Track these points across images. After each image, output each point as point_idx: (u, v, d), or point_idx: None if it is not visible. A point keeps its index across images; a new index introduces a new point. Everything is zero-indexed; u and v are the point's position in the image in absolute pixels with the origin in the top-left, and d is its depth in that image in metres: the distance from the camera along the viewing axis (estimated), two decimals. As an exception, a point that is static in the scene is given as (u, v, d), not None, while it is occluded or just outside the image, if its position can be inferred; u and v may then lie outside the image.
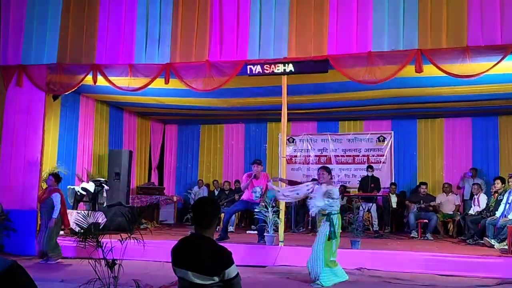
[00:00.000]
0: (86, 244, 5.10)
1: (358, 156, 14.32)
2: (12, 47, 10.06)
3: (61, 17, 9.88)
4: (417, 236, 11.00)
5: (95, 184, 11.07)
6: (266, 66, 8.92)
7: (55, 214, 8.69)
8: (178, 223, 13.95)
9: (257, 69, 8.99)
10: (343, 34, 8.63)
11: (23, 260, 8.32)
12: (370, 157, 14.19)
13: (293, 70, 8.84)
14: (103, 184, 11.30)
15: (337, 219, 6.88)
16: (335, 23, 8.69)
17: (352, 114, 13.82)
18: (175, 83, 9.65)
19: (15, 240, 9.52)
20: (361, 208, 10.82)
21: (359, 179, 13.27)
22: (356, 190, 13.12)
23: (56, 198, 8.75)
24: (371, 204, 11.97)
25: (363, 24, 8.57)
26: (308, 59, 8.76)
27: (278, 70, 8.88)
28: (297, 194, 7.44)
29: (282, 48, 8.87)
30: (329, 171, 7.21)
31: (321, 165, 7.90)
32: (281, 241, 8.68)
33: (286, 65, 8.87)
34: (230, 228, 12.33)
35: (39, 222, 9.48)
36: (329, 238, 6.75)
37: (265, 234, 8.95)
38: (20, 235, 9.54)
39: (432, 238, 10.81)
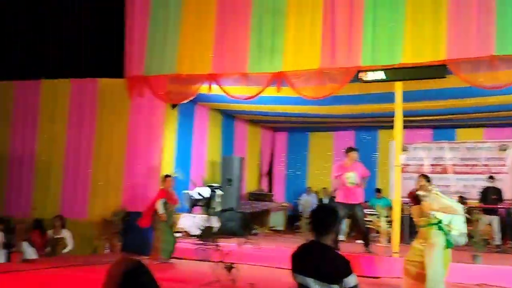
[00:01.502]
0: (206, 246, 5.28)
1: (477, 165, 13.52)
2: (136, 60, 10.72)
3: (180, 30, 10.38)
4: (544, 252, 10.17)
5: (209, 189, 11.45)
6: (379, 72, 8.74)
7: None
8: (288, 229, 14.02)
9: (370, 75, 8.84)
10: (463, 37, 8.20)
11: (144, 259, 8.80)
12: (490, 167, 13.34)
13: (407, 77, 8.58)
14: (216, 190, 11.67)
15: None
16: (454, 25, 8.30)
17: (471, 121, 13.09)
18: (286, 91, 9.75)
19: (136, 240, 10.12)
20: (481, 220, 10.20)
21: (479, 190, 12.52)
22: (476, 201, 12.39)
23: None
24: (492, 216, 11.25)
25: (485, 26, 8.10)
26: (424, 64, 8.45)
27: (390, 76, 8.66)
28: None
29: (396, 54, 8.63)
30: (428, 179, 6.81)
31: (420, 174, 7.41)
32: (395, 252, 8.43)
33: (400, 71, 8.63)
34: (340, 237, 12.21)
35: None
36: (447, 246, 6.34)
37: (377, 244, 8.75)
38: (140, 236, 10.12)
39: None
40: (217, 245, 5.23)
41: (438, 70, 8.40)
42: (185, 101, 10.71)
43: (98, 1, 12.98)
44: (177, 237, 10.01)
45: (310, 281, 3.18)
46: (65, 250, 9.73)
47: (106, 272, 2.38)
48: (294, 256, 3.39)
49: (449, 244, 6.36)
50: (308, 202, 13.98)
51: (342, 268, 3.18)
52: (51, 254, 9.58)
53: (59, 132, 11.16)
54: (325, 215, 3.39)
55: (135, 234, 10.18)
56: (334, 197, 13.53)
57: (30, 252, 8.90)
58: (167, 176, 9.57)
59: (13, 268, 7.70)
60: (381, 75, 8.63)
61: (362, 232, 9.42)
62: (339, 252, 3.36)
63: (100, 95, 11.05)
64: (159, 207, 9.07)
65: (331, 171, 15.34)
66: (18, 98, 11.67)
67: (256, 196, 14.18)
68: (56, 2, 12.84)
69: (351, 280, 3.14)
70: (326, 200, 14.04)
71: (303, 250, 3.39)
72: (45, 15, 12.81)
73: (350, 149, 9.76)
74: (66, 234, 9.79)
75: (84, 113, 11.06)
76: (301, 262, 3.31)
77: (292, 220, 14.53)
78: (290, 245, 9.50)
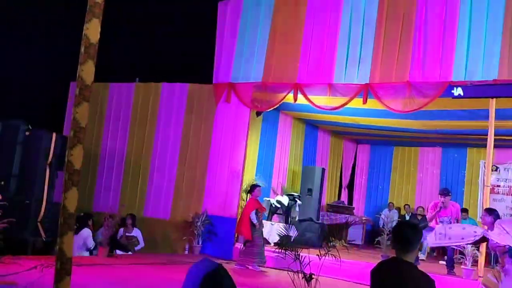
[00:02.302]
0: (286, 255, 5.31)
1: None
2: (223, 67, 11.00)
3: (268, 39, 10.53)
4: None
5: (289, 198, 11.49)
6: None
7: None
8: (366, 244, 13.75)
9: (462, 91, 8.52)
10: None
11: (222, 263, 8.95)
12: None
13: (503, 94, 8.19)
14: (296, 199, 11.68)
15: None
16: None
17: None
18: (372, 103, 9.60)
19: (216, 244, 10.36)
20: None
21: None
22: None
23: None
24: None
25: None
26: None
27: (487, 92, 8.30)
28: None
29: (491, 69, 8.25)
30: (490, 212, 6.22)
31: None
32: (480, 276, 8.04)
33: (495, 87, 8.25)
34: (421, 256, 11.80)
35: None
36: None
37: (462, 267, 8.38)
38: (219, 240, 10.35)
39: None
40: (297, 255, 5.23)
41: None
42: (270, 109, 10.81)
43: (191, 10, 13.46)
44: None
45: (391, 298, 3.11)
46: (137, 248, 10.05)
47: (187, 272, 2.45)
48: (375, 272, 3.32)
49: None
50: (389, 218, 13.65)
51: (427, 287, 3.09)
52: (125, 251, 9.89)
53: (149, 134, 11.64)
54: (409, 232, 3.29)
55: (215, 237, 10.42)
56: (417, 214, 13.22)
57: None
58: (256, 186, 9.67)
59: (98, 262, 8.08)
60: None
61: (447, 254, 9.08)
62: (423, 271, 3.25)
63: (188, 99, 11.41)
64: (253, 217, 9.20)
65: (415, 188, 15.04)
66: (113, 99, 12.29)
67: (336, 208, 14.03)
68: (151, 10, 13.45)
69: (435, 299, 3.05)
70: (408, 217, 13.65)
71: (384, 266, 3.32)
72: (140, 21, 13.44)
73: (444, 191, 9.38)
74: (136, 233, 10.13)
75: (173, 116, 11.47)
76: (382, 279, 3.24)
77: (371, 235, 14.24)
78: (369, 260, 9.36)
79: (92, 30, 2.93)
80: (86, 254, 9.18)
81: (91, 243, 9.20)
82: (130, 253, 9.81)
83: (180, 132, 11.34)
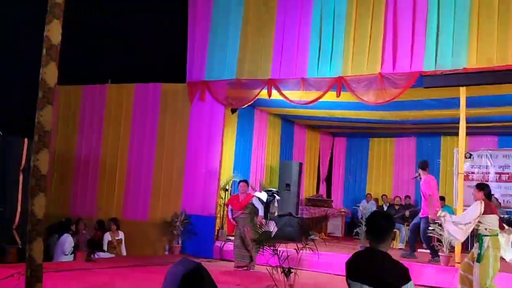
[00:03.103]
0: (264, 250, 5.32)
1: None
2: (197, 65, 10.95)
3: (240, 36, 10.50)
4: None
5: (267, 194, 11.51)
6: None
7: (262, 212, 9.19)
8: (346, 236, 13.85)
9: (433, 81, 8.63)
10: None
11: (202, 262, 8.93)
12: (562, 176, 12.69)
13: (473, 82, 8.32)
14: (274, 194, 11.70)
15: (489, 241, 6.23)
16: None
17: (540, 128, 12.51)
18: (346, 96, 9.66)
19: (195, 242, 10.33)
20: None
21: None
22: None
23: (256, 200, 9.23)
24: None
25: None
26: (491, 69, 8.15)
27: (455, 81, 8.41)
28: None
29: (461, 58, 8.37)
30: (482, 187, 6.60)
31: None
32: (457, 262, 8.16)
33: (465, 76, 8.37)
34: (400, 245, 11.95)
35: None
36: (477, 260, 6.19)
37: (440, 254, 8.51)
38: (199, 239, 10.32)
39: None
40: (275, 250, 5.24)
41: (506, 75, 8.07)
42: (245, 106, 10.80)
43: (161, 9, 13.35)
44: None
45: (367, 288, 3.13)
46: (123, 250, 10.09)
47: (166, 272, 2.45)
48: (350, 263, 3.35)
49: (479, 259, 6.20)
50: (367, 209, 13.74)
51: (401, 275, 3.12)
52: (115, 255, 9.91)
53: (123, 136, 11.53)
54: (382, 222, 3.33)
55: (194, 237, 10.39)
56: (394, 204, 13.36)
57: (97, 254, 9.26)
58: (240, 181, 9.63)
59: (77, 267, 8.00)
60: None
61: (425, 242, 9.21)
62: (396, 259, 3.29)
63: (162, 99, 11.33)
64: (229, 213, 9.21)
65: (392, 179, 15.20)
66: (85, 102, 12.14)
67: (314, 202, 14.10)
68: (120, 10, 13.30)
69: (409, 287, 3.08)
70: (385, 207, 13.78)
71: (359, 257, 3.35)
72: (110, 22, 13.28)
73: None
74: (122, 235, 10.15)
75: (147, 117, 11.38)
76: (357, 269, 3.27)
77: (350, 226, 14.34)
78: (349, 252, 9.41)
79: (53, 31, 2.88)
80: (66, 259, 9.08)
81: (68, 249, 9.09)
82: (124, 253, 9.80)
83: (155, 132, 11.27)
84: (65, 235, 9.15)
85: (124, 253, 10.16)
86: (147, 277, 7.33)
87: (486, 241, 6.24)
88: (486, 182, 9.39)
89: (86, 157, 11.81)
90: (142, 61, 13.36)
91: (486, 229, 6.29)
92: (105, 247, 9.87)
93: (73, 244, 9.12)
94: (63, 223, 9.62)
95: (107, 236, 9.99)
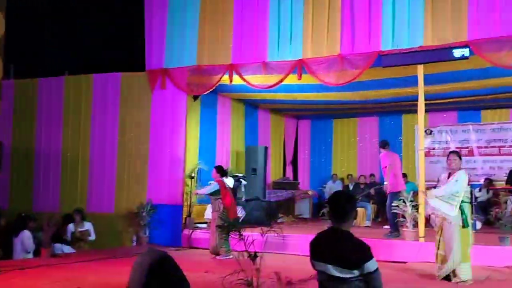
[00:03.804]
0: (230, 236, 5.32)
1: (504, 147, 13.27)
2: (156, 52, 10.81)
3: (199, 22, 10.41)
4: None
5: (234, 179, 11.51)
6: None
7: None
8: (314, 217, 14.01)
9: (391, 60, 8.76)
10: (485, 17, 8.06)
11: (170, 251, 8.91)
12: (517, 148, 13.10)
13: (430, 59, 8.47)
14: (241, 180, 11.72)
15: (467, 208, 6.41)
16: (476, 4, 8.14)
17: (497, 102, 12.85)
18: (307, 79, 9.71)
19: (163, 232, 10.28)
20: (509, 202, 10.04)
21: (506, 171, 12.32)
22: (502, 183, 12.20)
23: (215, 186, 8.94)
24: (521, 198, 11.04)
25: (508, 4, 7.92)
26: (447, 46, 8.31)
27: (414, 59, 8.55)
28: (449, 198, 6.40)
29: (417, 37, 8.50)
30: (460, 156, 6.68)
31: (452, 150, 7.32)
32: (421, 237, 8.36)
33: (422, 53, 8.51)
34: (367, 223, 12.17)
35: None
36: (463, 226, 6.30)
37: (404, 229, 8.70)
38: (167, 228, 10.28)
39: None
40: (240, 235, 5.25)
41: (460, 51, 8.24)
42: (207, 92, 10.73)
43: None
44: (203, 228, 10.13)
45: (330, 267, 3.17)
46: (91, 238, 9.93)
47: (133, 264, 2.42)
48: (313, 243, 3.39)
49: (465, 224, 6.29)
50: (333, 189, 13.94)
51: (363, 253, 3.17)
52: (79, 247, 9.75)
53: (84, 128, 11.34)
54: (343, 202, 3.37)
55: (162, 226, 10.34)
56: (360, 183, 13.58)
57: (59, 247, 9.07)
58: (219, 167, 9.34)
59: (42, 263, 7.87)
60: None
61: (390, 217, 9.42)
62: (359, 238, 3.33)
63: (122, 89, 11.18)
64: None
65: (356, 158, 15.42)
66: (43, 95, 11.87)
67: (281, 185, 14.19)
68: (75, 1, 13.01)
69: (372, 265, 3.13)
70: (351, 186, 13.99)
71: (322, 237, 3.38)
72: (66, 13, 12.98)
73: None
74: (88, 226, 9.97)
75: (108, 107, 11.21)
76: (321, 250, 3.31)
77: (318, 207, 14.51)
78: (315, 232, 9.49)
79: (-3, 24, 2.78)
80: (29, 256, 8.91)
81: (30, 246, 8.91)
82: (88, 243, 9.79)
83: (117, 122, 11.12)
84: (24, 231, 8.94)
85: (91, 239, 9.94)
86: (114, 270, 7.27)
87: (467, 207, 6.36)
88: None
89: (46, 151, 11.58)
90: (99, 51, 13.12)
91: (467, 196, 6.42)
92: (68, 238, 9.70)
93: (32, 241, 8.93)
94: (19, 219, 9.37)
95: (70, 228, 9.80)
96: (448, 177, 6.55)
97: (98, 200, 11.02)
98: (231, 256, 7.95)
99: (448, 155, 6.72)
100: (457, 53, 8.19)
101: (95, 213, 10.67)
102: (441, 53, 8.37)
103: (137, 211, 10.35)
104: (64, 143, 11.48)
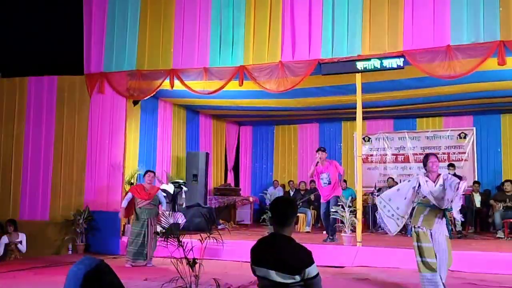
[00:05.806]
0: (168, 243, 5.26)
1: (438, 154, 13.82)
2: (94, 56, 10.56)
3: (139, 26, 10.26)
4: (503, 237, 10.49)
5: (174, 185, 11.39)
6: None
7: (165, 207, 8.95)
8: (255, 223, 14.06)
9: (330, 68, 8.95)
10: (419, 28, 8.39)
11: (108, 259, 8.69)
12: (450, 155, 13.68)
13: (368, 68, 8.71)
14: (181, 186, 11.61)
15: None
16: (411, 17, 8.46)
17: (431, 111, 13.37)
18: (249, 85, 9.76)
19: (100, 240, 10.02)
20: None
21: (439, 177, 12.81)
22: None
23: (161, 194, 8.91)
24: (453, 203, 11.48)
25: (440, 17, 8.28)
26: (383, 55, 8.58)
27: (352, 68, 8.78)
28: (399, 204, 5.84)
29: (355, 46, 8.74)
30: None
31: (429, 153, 6.70)
32: (359, 242, 8.56)
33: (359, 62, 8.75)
34: (307, 229, 12.33)
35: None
36: (450, 236, 6.06)
37: (342, 234, 8.88)
38: (104, 235, 10.02)
39: (520, 239, 10.25)
40: (179, 242, 5.20)
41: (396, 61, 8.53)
42: (147, 97, 10.57)
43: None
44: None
45: (271, 273, 3.17)
46: (22, 249, 9.63)
47: (67, 273, 2.33)
48: (255, 249, 3.38)
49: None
50: (274, 195, 14.04)
51: (304, 258, 3.18)
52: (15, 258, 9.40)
53: (18, 132, 10.88)
54: (284, 207, 3.39)
55: (99, 234, 10.07)
56: (300, 189, 13.75)
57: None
58: (145, 172, 9.14)
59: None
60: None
61: (327, 223, 9.60)
62: (299, 243, 3.36)
63: (59, 92, 10.82)
64: (124, 202, 8.84)
65: (297, 165, 15.62)
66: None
67: (223, 191, 14.17)
68: (11, 1, 12.51)
69: (313, 270, 3.15)
70: (292, 193, 14.14)
71: (263, 243, 3.38)
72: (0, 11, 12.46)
73: (320, 149, 9.92)
74: (23, 237, 9.66)
75: (43, 111, 10.82)
76: (262, 255, 3.30)
77: (259, 213, 14.56)
78: (255, 238, 9.51)
79: None
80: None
81: None
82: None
83: (52, 127, 10.75)
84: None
85: (23, 250, 9.63)
86: (48, 279, 7.01)
87: (447, 215, 5.96)
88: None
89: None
90: (35, 53, 12.66)
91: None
92: (1, 251, 9.31)
93: None
94: None
95: (4, 239, 9.43)
96: (434, 181, 5.75)
97: (31, 207, 10.59)
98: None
99: (428, 158, 5.87)
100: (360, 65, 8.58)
101: (28, 221, 10.26)
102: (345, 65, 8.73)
103: (74, 218, 10.04)
104: (-3, 148, 10.98)
